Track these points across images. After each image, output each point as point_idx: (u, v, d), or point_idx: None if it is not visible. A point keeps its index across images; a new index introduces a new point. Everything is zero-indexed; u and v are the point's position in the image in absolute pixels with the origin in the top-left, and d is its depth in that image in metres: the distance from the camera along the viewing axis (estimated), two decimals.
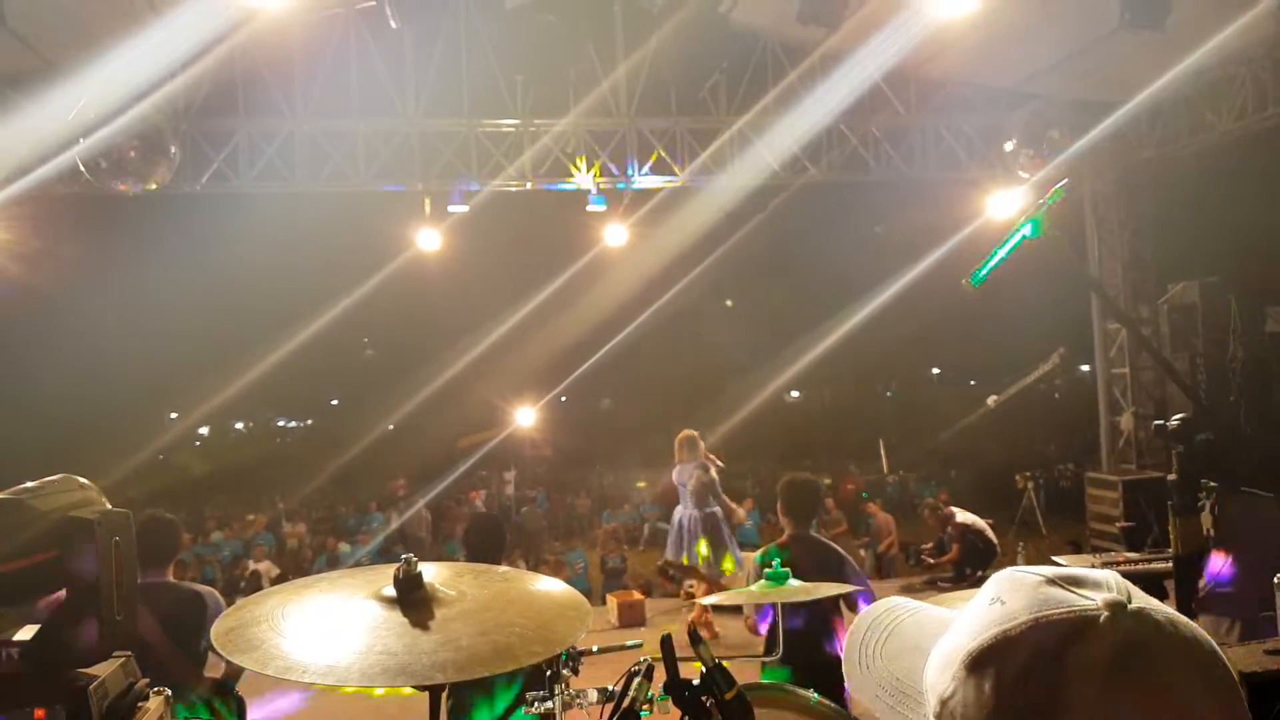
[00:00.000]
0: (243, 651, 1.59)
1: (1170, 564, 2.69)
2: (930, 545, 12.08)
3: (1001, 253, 2.05)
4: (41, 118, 7.86)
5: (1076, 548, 12.27)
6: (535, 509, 20.30)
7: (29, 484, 2.40)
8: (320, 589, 1.88)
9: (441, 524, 17.77)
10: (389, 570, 1.80)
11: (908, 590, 10.44)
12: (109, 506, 2.41)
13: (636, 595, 9.78)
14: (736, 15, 8.52)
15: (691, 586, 9.52)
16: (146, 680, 2.38)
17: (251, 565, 14.28)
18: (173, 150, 8.77)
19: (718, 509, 8.61)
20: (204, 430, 39.54)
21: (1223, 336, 9.93)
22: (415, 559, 1.79)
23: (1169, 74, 8.66)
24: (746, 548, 8.59)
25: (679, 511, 8.70)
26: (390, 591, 1.75)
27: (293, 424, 44.66)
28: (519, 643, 1.63)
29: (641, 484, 20.21)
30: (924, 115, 11.14)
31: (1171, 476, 2.56)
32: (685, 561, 8.52)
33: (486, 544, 4.32)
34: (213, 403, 25.12)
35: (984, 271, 2.04)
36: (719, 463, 8.74)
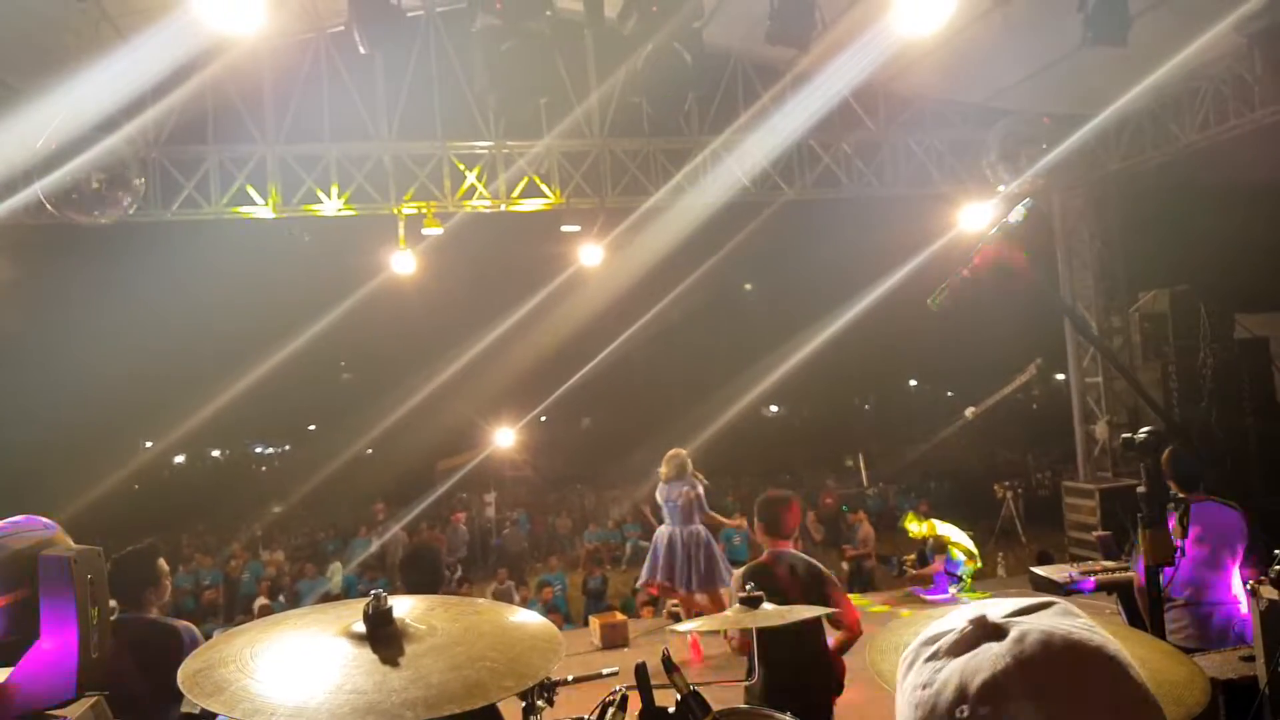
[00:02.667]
0: (209, 694, 1.57)
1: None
2: (912, 557, 12.10)
3: (964, 274, 2.06)
4: (7, 145, 7.77)
5: (1047, 558, 12.35)
6: (516, 530, 20.19)
7: None
8: (290, 626, 1.85)
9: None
10: (359, 605, 1.78)
11: (890, 603, 10.44)
12: (73, 545, 2.39)
13: (619, 616, 9.72)
14: (707, 35, 8.58)
15: (675, 606, 9.49)
16: None
17: (261, 601, 13.99)
18: (137, 181, 8.69)
19: (701, 527, 8.59)
20: (180, 459, 39.17)
21: (1193, 343, 10.11)
22: (385, 594, 1.77)
23: (1134, 89, 8.81)
24: (735, 565, 8.57)
25: (663, 530, 8.63)
26: (360, 628, 1.73)
27: (270, 450, 44.27)
28: (490, 677, 1.62)
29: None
30: (894, 131, 11.25)
31: (1140, 489, 2.58)
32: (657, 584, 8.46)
33: (424, 577, 4.20)
34: (188, 430, 24.88)
35: (946, 293, 2.06)
36: (704, 480, 8.73)
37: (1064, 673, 0.79)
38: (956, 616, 0.88)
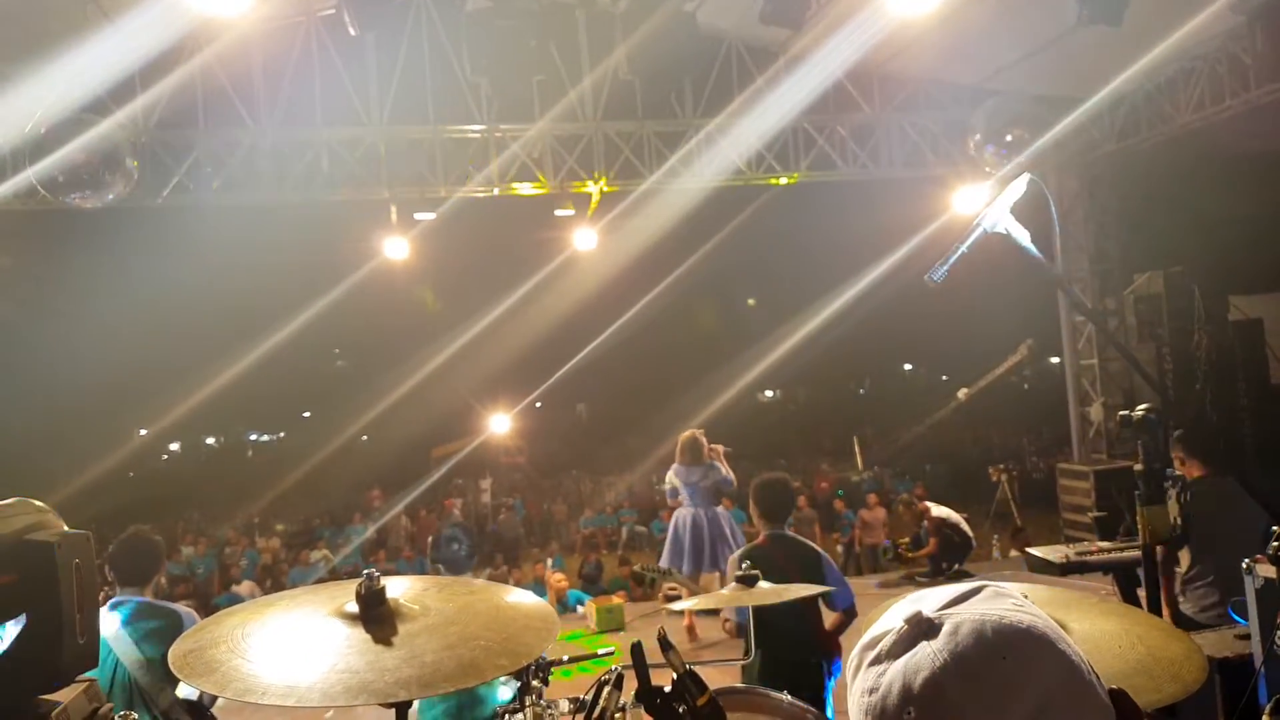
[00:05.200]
0: (201, 674, 1.56)
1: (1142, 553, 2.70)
2: (907, 540, 12.14)
3: (962, 249, 2.05)
4: None
5: (1022, 537, 12.40)
6: (512, 516, 20.21)
7: None
8: (281, 607, 1.84)
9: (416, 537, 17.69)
10: (351, 586, 1.77)
11: (885, 586, 10.48)
12: (65, 529, 2.37)
13: (615, 599, 9.75)
14: (701, 17, 8.53)
15: (672, 589, 9.50)
16: (110, 705, 2.33)
17: (233, 589, 14.03)
18: (130, 164, 8.62)
19: (722, 509, 8.59)
20: (175, 446, 39.17)
21: (1187, 325, 10.12)
22: (378, 574, 1.76)
23: (1129, 69, 8.77)
24: None
25: (685, 512, 8.53)
26: (353, 608, 1.72)
27: (265, 437, 44.26)
28: (484, 656, 1.61)
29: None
30: (889, 113, 11.20)
31: (1138, 467, 2.57)
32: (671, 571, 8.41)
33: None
34: (182, 418, 24.85)
35: (945, 268, 2.05)
36: (725, 448, 8.67)
37: (998, 659, 0.82)
38: (893, 616, 0.90)
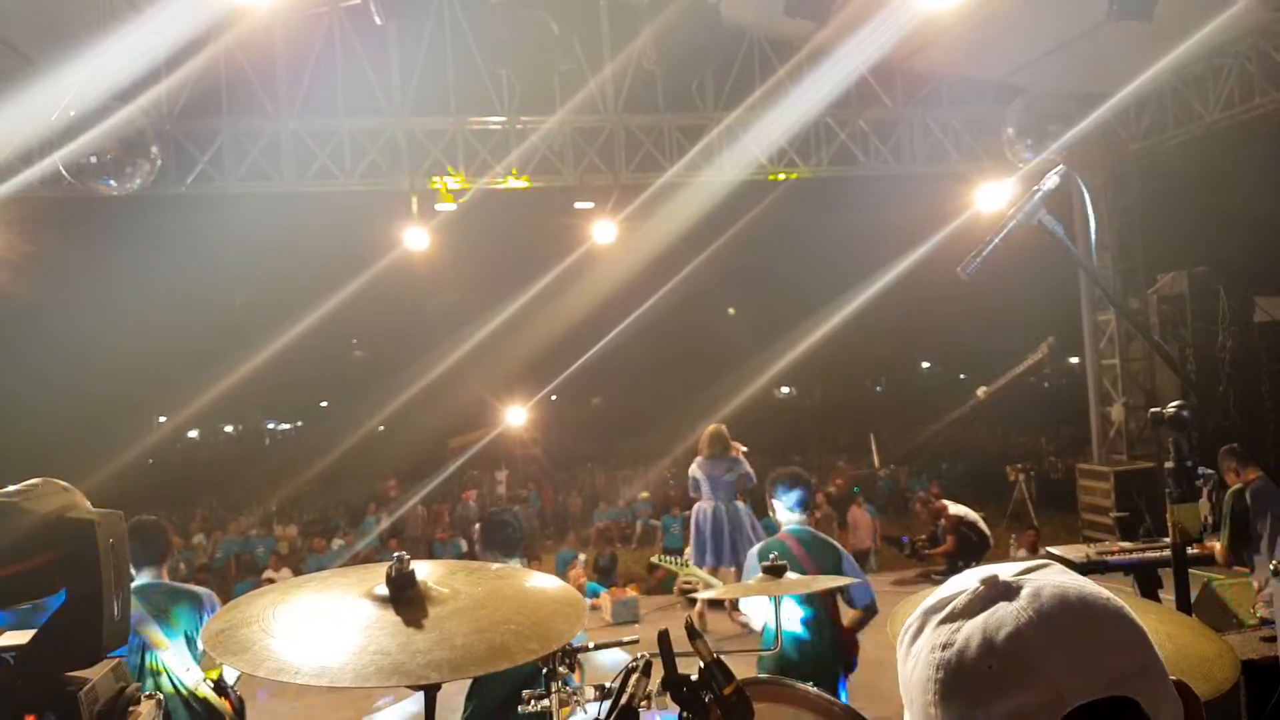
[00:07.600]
0: (233, 653, 1.57)
1: (1168, 553, 2.67)
2: (924, 538, 12.09)
3: (996, 241, 2.03)
4: (23, 118, 7.76)
5: (1032, 549, 12.35)
6: (527, 508, 20.25)
7: (9, 488, 2.36)
8: (311, 589, 1.85)
9: (433, 525, 17.75)
10: (381, 569, 1.77)
11: (901, 584, 10.45)
12: (92, 508, 2.38)
13: (630, 591, 9.76)
14: (723, 9, 8.50)
15: (687, 583, 9.49)
16: (137, 685, 2.35)
17: (269, 574, 14.07)
18: (154, 151, 8.68)
19: (742, 504, 8.55)
20: (193, 434, 39.50)
21: (1211, 326, 10.02)
22: (408, 557, 1.76)
23: (1156, 66, 8.67)
24: None
25: (706, 506, 8.46)
26: (383, 590, 1.72)
27: (283, 426, 44.55)
28: (514, 640, 1.61)
29: (644, 494, 19.87)
30: (911, 109, 11.14)
31: (1168, 464, 2.54)
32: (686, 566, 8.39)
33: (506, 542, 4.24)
34: (201, 406, 25.03)
35: (978, 261, 2.03)
36: (743, 447, 8.64)
37: (1083, 622, 0.85)
38: (962, 580, 0.93)
